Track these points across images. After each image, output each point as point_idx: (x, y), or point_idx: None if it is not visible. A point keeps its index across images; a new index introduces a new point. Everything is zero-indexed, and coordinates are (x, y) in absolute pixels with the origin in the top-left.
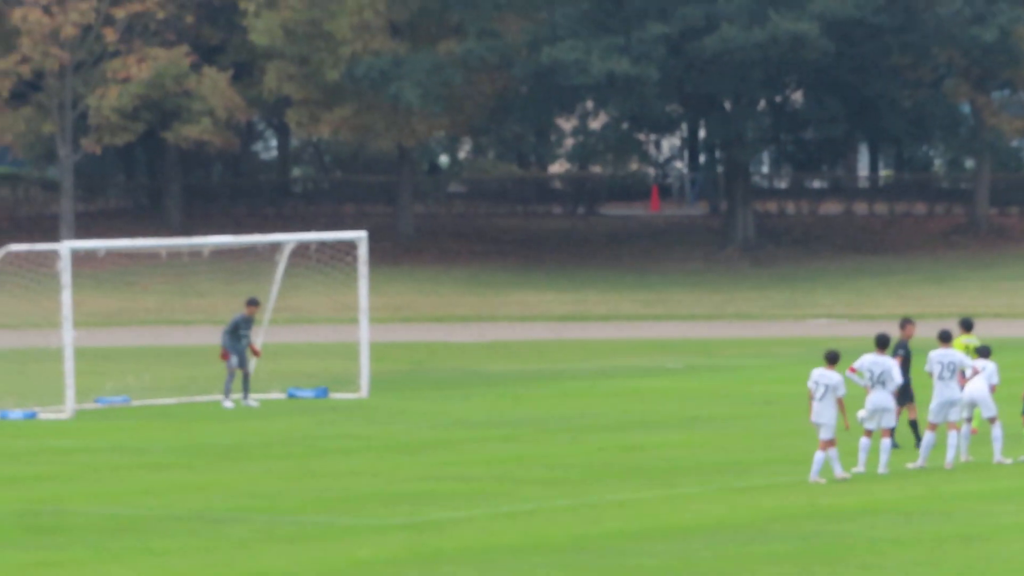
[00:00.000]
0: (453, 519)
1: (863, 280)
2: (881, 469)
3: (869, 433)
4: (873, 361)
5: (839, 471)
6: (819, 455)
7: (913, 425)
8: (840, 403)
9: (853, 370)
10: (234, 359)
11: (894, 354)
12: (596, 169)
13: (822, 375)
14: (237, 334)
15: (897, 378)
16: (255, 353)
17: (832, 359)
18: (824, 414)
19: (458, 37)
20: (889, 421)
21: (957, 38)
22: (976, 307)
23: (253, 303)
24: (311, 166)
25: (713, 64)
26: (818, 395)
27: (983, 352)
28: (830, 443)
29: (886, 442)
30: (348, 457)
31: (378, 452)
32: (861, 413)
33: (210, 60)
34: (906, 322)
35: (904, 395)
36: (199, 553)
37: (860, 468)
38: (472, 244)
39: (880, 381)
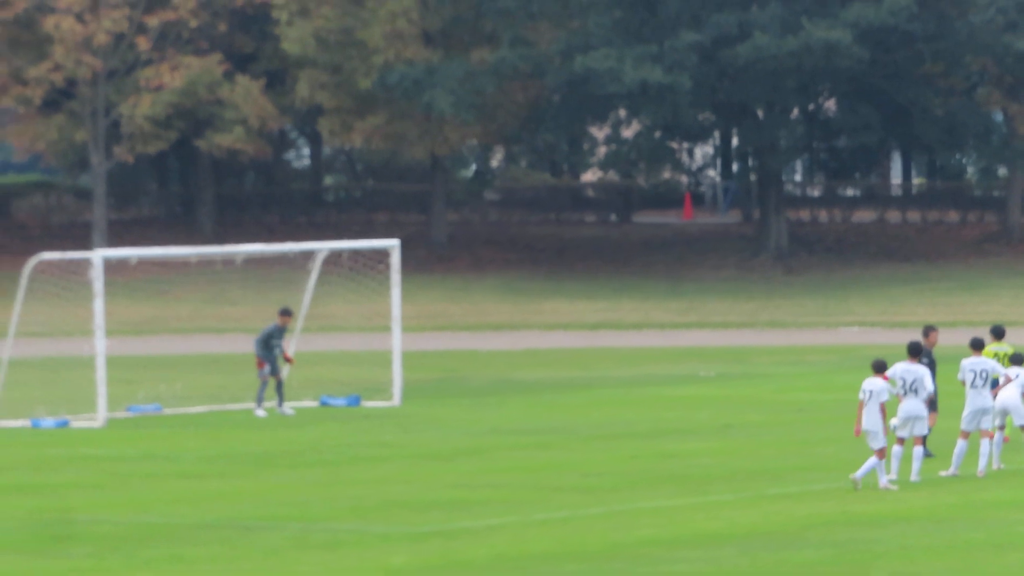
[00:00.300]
0: (486, 527)
1: (896, 288)
2: (913, 477)
3: (902, 441)
4: (905, 369)
5: (884, 481)
6: (873, 460)
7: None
8: (882, 408)
9: (885, 378)
10: (267, 367)
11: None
12: (637, 179)
13: (871, 383)
14: (269, 344)
15: (929, 386)
16: (288, 361)
17: (879, 368)
18: (871, 421)
19: (491, 45)
20: (921, 429)
21: (990, 46)
22: (1009, 315)
23: (286, 313)
24: (343, 174)
25: (746, 72)
26: (867, 402)
27: (1016, 360)
28: (882, 452)
29: (918, 450)
30: (381, 465)
31: (411, 460)
32: (894, 421)
33: (243, 68)
34: (929, 330)
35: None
36: (230, 561)
37: (892, 476)
38: (505, 252)
39: (912, 389)
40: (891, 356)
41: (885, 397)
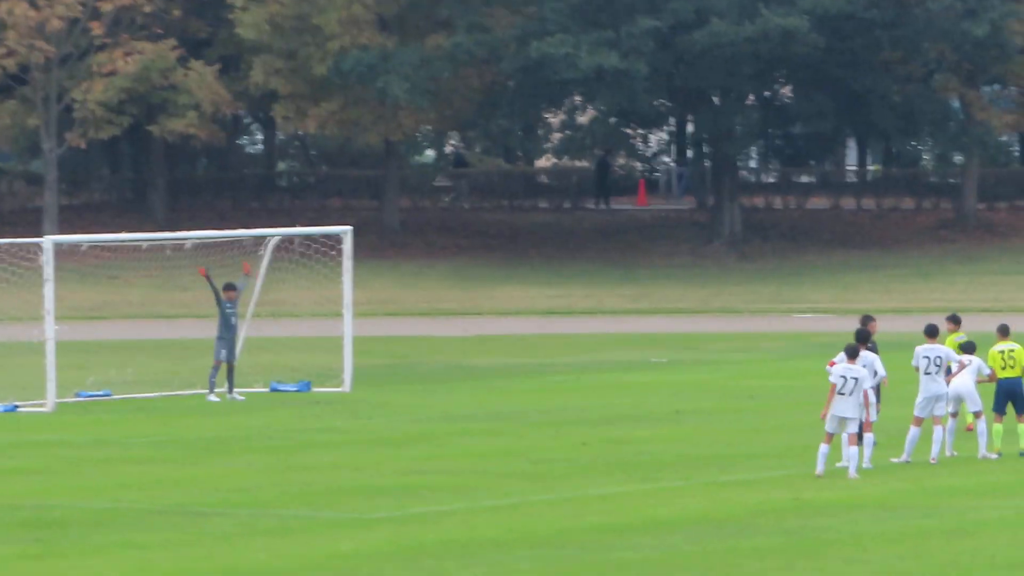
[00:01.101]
0: (436, 513)
1: (850, 275)
2: (865, 463)
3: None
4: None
5: (852, 470)
6: (853, 450)
7: None
8: (866, 395)
9: (833, 364)
10: (222, 351)
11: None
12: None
13: (848, 369)
14: (226, 315)
15: (880, 371)
16: (245, 271)
17: (852, 353)
18: (850, 409)
19: (447, 31)
20: (871, 415)
21: (948, 33)
22: (964, 302)
23: (230, 288)
24: (297, 160)
25: (702, 58)
26: (847, 389)
27: (968, 348)
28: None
29: (869, 436)
30: (331, 451)
31: (361, 446)
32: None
33: (197, 54)
34: (867, 319)
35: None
36: (181, 547)
37: (844, 463)
38: (457, 238)
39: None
40: (843, 344)
41: (870, 383)
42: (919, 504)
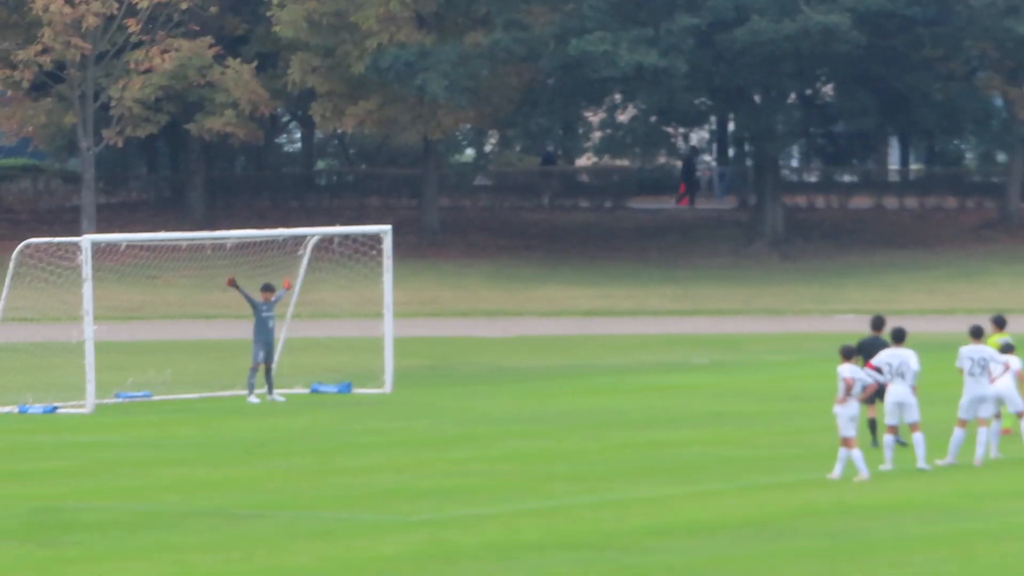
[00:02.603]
0: (477, 515)
1: (893, 275)
2: (920, 464)
3: (892, 429)
4: (892, 354)
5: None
6: (849, 452)
7: (871, 424)
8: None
9: (870, 365)
10: (260, 353)
11: (868, 356)
12: (624, 162)
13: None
14: (261, 317)
15: (914, 366)
16: (286, 286)
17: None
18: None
19: (485, 29)
20: (912, 415)
21: (990, 30)
22: (1008, 302)
23: (267, 289)
24: (335, 159)
25: (743, 56)
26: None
27: (1006, 349)
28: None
29: (917, 436)
30: (371, 453)
31: (402, 448)
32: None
33: (234, 51)
34: (880, 321)
35: (876, 393)
36: (220, 549)
37: (887, 465)
38: (498, 238)
39: (899, 373)
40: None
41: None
42: (963, 507)
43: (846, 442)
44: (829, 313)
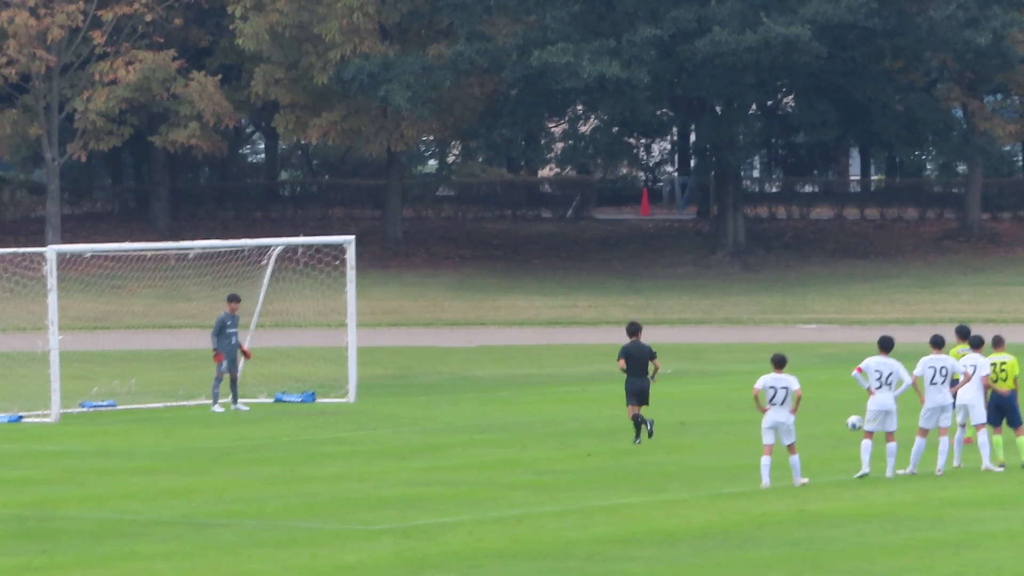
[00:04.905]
0: (440, 524)
1: (854, 285)
2: (888, 473)
3: (870, 435)
4: (880, 362)
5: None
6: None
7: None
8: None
9: (860, 370)
10: (224, 363)
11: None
12: (594, 174)
13: (776, 379)
14: (225, 333)
15: (906, 379)
16: (245, 355)
17: (778, 363)
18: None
19: (448, 40)
20: (892, 424)
21: (950, 42)
22: (968, 312)
23: (234, 299)
24: (299, 170)
25: (704, 68)
26: (777, 400)
27: (975, 343)
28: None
29: (891, 446)
30: (335, 462)
31: (365, 457)
32: (852, 419)
33: (198, 63)
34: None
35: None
36: (185, 558)
37: (865, 470)
38: (461, 248)
39: (888, 383)
40: (851, 353)
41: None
42: (925, 515)
43: (789, 448)
44: (791, 323)
